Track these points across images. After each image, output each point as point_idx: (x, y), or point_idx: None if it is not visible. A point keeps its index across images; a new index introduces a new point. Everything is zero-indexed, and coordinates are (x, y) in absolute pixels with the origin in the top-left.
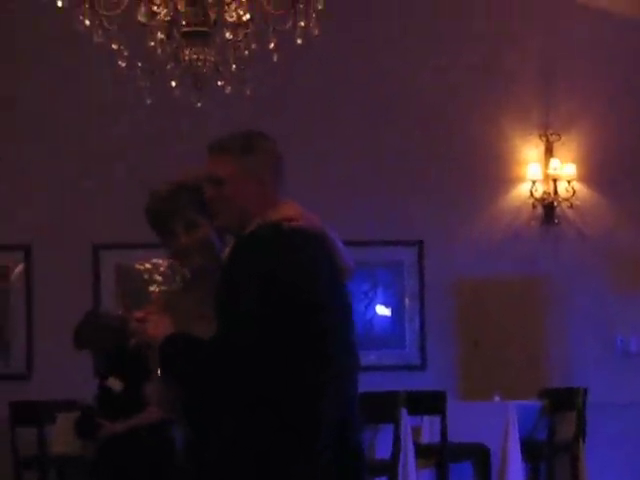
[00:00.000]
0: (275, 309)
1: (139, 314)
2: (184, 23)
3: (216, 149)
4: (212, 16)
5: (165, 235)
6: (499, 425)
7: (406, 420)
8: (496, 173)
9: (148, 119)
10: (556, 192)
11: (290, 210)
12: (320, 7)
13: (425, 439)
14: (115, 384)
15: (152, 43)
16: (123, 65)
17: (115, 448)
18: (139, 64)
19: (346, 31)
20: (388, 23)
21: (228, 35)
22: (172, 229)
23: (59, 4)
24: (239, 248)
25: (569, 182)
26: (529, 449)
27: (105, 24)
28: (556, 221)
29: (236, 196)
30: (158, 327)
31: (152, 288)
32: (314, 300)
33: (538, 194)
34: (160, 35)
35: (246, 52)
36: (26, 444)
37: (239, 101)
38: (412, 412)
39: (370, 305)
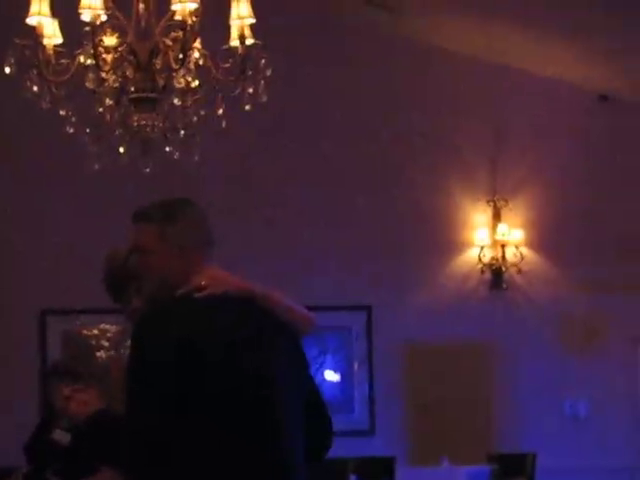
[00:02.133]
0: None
1: (66, 391)
2: (132, 89)
3: (139, 218)
4: (160, 82)
5: (120, 298)
6: None
7: None
8: (444, 238)
9: (96, 184)
10: (504, 257)
11: (205, 277)
12: (268, 74)
13: None
14: (62, 436)
15: (100, 109)
16: (71, 131)
17: None
18: (87, 130)
19: (298, 95)
20: (341, 86)
21: (176, 101)
22: (127, 292)
23: (7, 70)
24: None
25: (517, 247)
26: None
27: (53, 90)
28: (504, 286)
29: (158, 265)
30: (80, 405)
31: (99, 354)
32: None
33: (486, 259)
34: (109, 101)
35: (194, 118)
36: None
37: (187, 167)
38: (361, 478)
39: (319, 370)
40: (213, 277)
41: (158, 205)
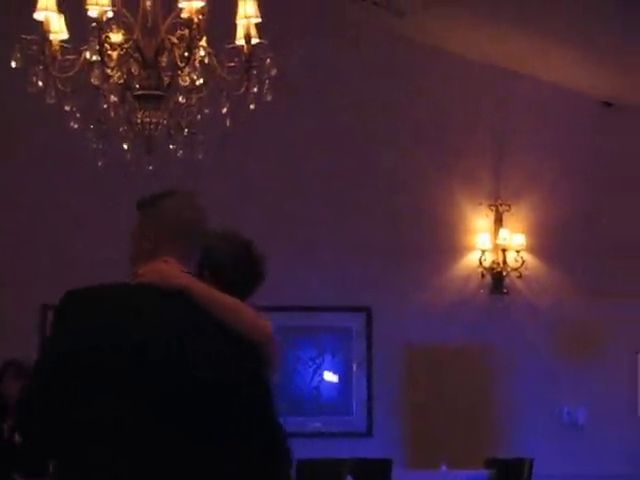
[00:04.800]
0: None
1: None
2: (137, 86)
3: (138, 204)
4: (166, 80)
5: None
6: None
7: None
8: (446, 241)
9: (99, 181)
10: (505, 262)
11: (148, 267)
12: (273, 73)
13: None
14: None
15: (105, 106)
16: (75, 127)
17: None
18: (91, 126)
19: (300, 98)
20: (347, 87)
21: (181, 99)
22: None
23: (13, 64)
24: None
25: (518, 252)
26: None
27: (59, 85)
28: (505, 290)
29: (134, 249)
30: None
31: None
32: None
33: (487, 263)
34: (113, 98)
35: (198, 116)
36: None
37: (190, 165)
38: None
39: (317, 371)
40: (153, 268)
41: (152, 194)
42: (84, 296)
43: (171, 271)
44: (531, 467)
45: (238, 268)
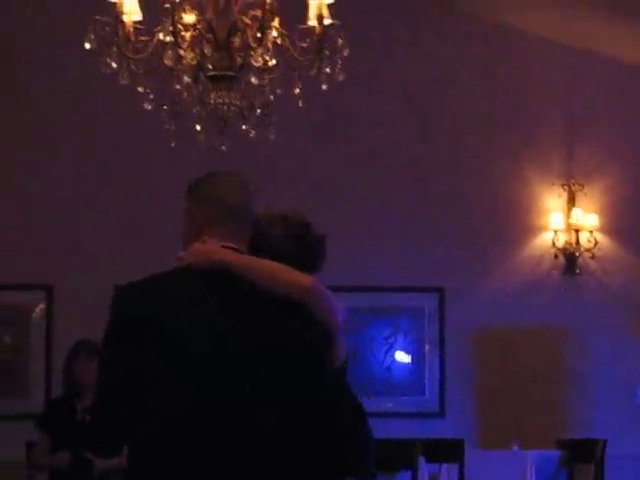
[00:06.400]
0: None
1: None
2: (210, 67)
3: (188, 186)
4: (238, 60)
5: None
6: (517, 474)
7: (424, 468)
8: (518, 222)
9: (172, 162)
10: (578, 242)
11: (189, 250)
12: (345, 54)
13: None
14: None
15: (178, 87)
16: (149, 108)
17: None
18: (164, 107)
19: (371, 76)
20: (413, 67)
21: (254, 80)
22: None
23: (87, 46)
24: None
25: (591, 232)
26: None
27: (132, 67)
28: (578, 271)
29: (183, 234)
30: None
31: None
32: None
33: (560, 244)
34: (186, 79)
35: (271, 97)
36: None
37: (263, 145)
38: (430, 460)
39: (390, 351)
40: (193, 250)
41: (199, 177)
42: (133, 289)
43: (208, 249)
44: (604, 448)
45: (297, 250)
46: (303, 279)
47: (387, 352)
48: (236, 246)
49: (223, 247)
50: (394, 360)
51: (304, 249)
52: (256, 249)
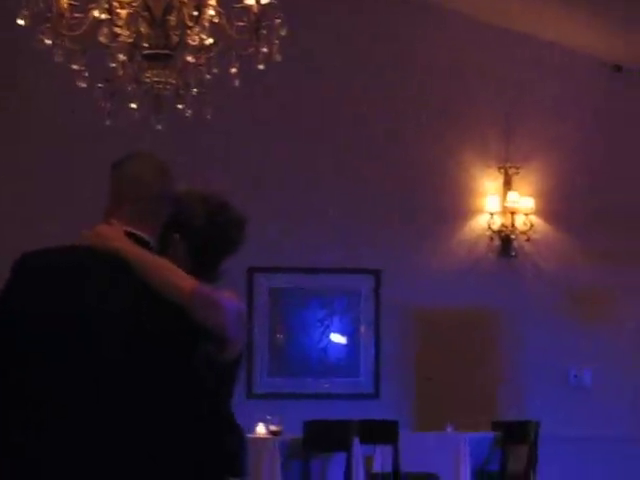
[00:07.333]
0: None
1: None
2: (146, 45)
3: (111, 165)
4: (174, 39)
5: None
6: (451, 456)
7: (358, 449)
8: (455, 205)
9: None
10: (514, 225)
11: (93, 230)
12: (283, 33)
13: (377, 468)
14: None
15: (113, 65)
16: (83, 86)
17: None
18: (99, 85)
19: (310, 56)
20: (355, 49)
21: (190, 59)
22: None
23: (20, 22)
24: None
25: (527, 215)
26: None
27: (66, 44)
28: (513, 254)
29: (105, 210)
30: None
31: None
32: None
33: (496, 226)
34: (122, 57)
35: (207, 76)
36: None
37: (199, 125)
38: (364, 441)
39: (325, 332)
40: (95, 231)
41: (119, 158)
42: (29, 258)
43: (108, 234)
44: (537, 429)
45: (210, 231)
46: (185, 284)
47: (323, 333)
48: (140, 232)
49: (127, 233)
50: (330, 341)
51: (222, 230)
52: (176, 227)
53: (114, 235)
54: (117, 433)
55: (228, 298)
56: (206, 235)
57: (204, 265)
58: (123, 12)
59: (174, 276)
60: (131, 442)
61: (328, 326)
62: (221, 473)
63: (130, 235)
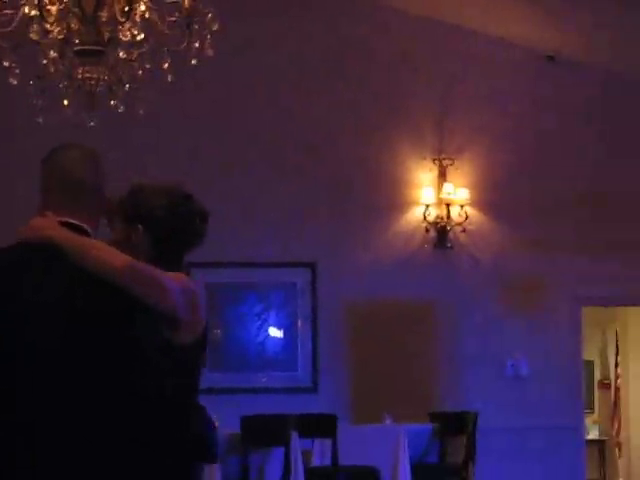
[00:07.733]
0: None
1: None
2: (77, 41)
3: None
4: (106, 35)
5: None
6: (390, 448)
7: (297, 443)
8: (390, 197)
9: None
10: (449, 216)
11: (30, 223)
12: (215, 28)
13: (316, 462)
14: None
15: (45, 61)
16: (15, 83)
17: None
18: (31, 82)
19: (245, 53)
20: (287, 44)
21: (122, 54)
22: None
23: None
24: None
25: (462, 207)
26: (419, 472)
27: None
28: (449, 245)
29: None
30: None
31: None
32: None
33: (431, 218)
34: (53, 53)
35: (140, 72)
36: None
37: (131, 120)
38: (303, 435)
39: (262, 327)
40: (30, 224)
41: (49, 151)
42: None
43: (42, 225)
44: (475, 420)
45: (173, 222)
46: (117, 260)
47: (260, 327)
48: (77, 222)
49: (62, 223)
50: (267, 335)
51: (185, 222)
52: (138, 218)
53: (47, 225)
54: (65, 422)
55: (172, 278)
56: (168, 226)
57: (167, 256)
58: (53, 8)
59: (106, 255)
60: (80, 429)
61: (265, 320)
62: (188, 458)
63: (66, 225)
